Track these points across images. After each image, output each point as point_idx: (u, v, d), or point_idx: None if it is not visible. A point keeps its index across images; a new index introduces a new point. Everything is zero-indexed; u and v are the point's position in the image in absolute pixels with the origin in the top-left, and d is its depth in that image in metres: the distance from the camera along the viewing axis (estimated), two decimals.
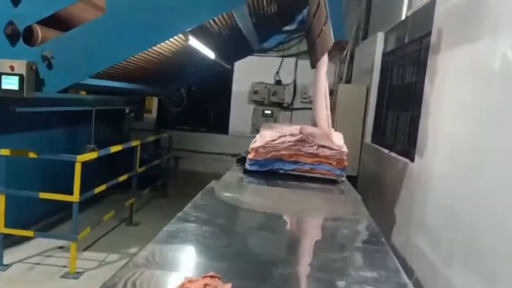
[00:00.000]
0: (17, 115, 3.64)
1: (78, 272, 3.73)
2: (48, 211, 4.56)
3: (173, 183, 6.97)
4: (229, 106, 8.86)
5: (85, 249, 4.28)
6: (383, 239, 2.19)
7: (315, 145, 3.71)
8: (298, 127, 3.86)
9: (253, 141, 3.92)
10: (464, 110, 3.08)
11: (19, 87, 3.10)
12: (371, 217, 2.67)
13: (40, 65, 3.22)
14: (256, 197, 3.04)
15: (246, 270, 1.72)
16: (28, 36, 3.25)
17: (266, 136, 3.92)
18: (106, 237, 4.73)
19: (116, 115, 6.34)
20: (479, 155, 2.73)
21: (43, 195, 3.59)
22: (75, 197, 3.53)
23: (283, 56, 8.68)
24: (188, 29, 3.30)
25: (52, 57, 3.21)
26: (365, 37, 7.98)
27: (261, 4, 4.04)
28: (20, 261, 3.88)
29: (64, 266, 3.81)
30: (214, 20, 3.99)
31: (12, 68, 3.12)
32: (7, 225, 3.71)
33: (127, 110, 6.80)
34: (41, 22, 3.31)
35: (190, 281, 1.35)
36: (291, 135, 3.80)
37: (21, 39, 3.18)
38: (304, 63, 8.12)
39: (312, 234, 2.45)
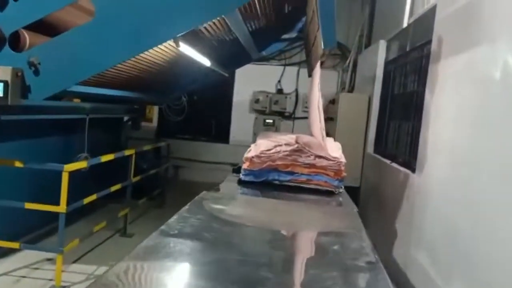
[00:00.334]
0: (5, 123, 3.55)
1: (64, 286, 3.61)
2: (41, 221, 4.44)
3: (172, 192, 6.85)
4: (230, 115, 8.77)
5: (74, 261, 4.16)
6: (376, 256, 2.05)
7: (311, 155, 3.59)
8: (294, 136, 3.74)
9: (248, 150, 3.80)
10: (463, 120, 2.96)
11: (4, 94, 3.01)
12: (366, 231, 2.53)
13: (26, 72, 3.13)
14: (246, 209, 2.91)
15: None
16: (15, 42, 3.17)
17: (261, 145, 3.80)
18: (98, 248, 4.61)
19: (114, 124, 6.25)
20: (479, 169, 2.62)
21: (29, 206, 3.48)
22: (61, 208, 3.41)
23: (285, 65, 8.60)
24: (178, 35, 3.20)
25: (39, 63, 3.12)
26: (368, 45, 7.88)
27: (256, 11, 3.94)
28: (6, 273, 3.76)
29: (51, 280, 3.68)
30: (208, 27, 3.90)
31: None
32: None
33: (125, 119, 6.72)
34: (30, 27, 3.23)
35: None
36: (286, 144, 3.67)
37: (7, 45, 3.10)
38: (306, 72, 8.02)
39: (301, 250, 2.31)
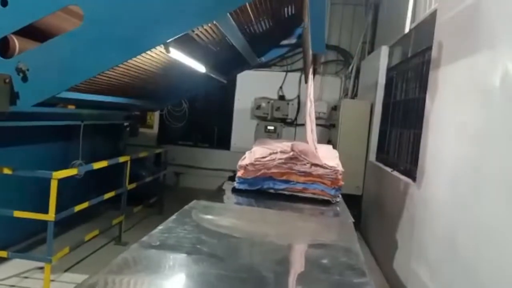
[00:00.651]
0: None
1: None
2: (36, 229, 4.36)
3: (171, 199, 6.76)
4: (231, 121, 8.70)
5: (66, 270, 4.08)
6: (366, 271, 1.94)
7: (307, 163, 3.48)
8: (289, 143, 3.64)
9: (242, 158, 3.70)
10: (464, 128, 2.85)
11: None
12: (361, 244, 2.42)
13: (14, 78, 3.07)
14: (237, 220, 2.80)
15: None
16: (4, 48, 3.11)
17: (256, 152, 3.70)
18: (91, 257, 4.52)
19: (112, 130, 6.19)
20: (479, 182, 2.51)
21: (18, 214, 3.41)
22: (50, 216, 3.33)
23: (287, 71, 8.53)
24: (168, 41, 3.13)
25: (28, 70, 3.06)
26: (371, 51, 7.78)
27: (250, 17, 3.87)
28: None
29: None
30: (201, 33, 3.82)
31: None
32: None
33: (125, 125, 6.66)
34: (20, 33, 3.17)
35: None
36: (282, 152, 3.57)
37: None
38: None
39: (289, 263, 2.20)
